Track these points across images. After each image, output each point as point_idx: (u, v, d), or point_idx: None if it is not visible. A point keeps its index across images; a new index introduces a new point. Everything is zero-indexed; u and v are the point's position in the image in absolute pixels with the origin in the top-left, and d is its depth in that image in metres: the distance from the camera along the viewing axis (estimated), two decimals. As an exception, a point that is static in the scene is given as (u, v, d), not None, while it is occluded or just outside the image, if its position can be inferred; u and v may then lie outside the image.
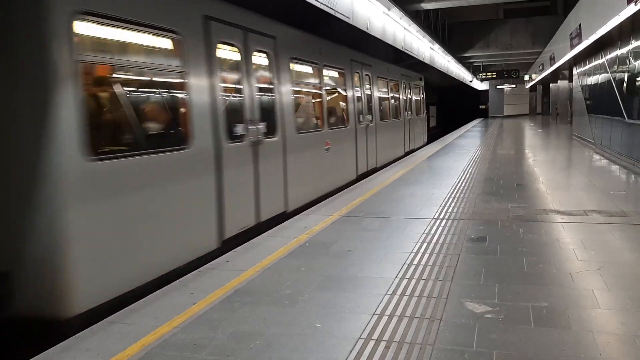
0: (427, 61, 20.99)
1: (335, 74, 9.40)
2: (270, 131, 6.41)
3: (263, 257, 4.86)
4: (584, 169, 10.84)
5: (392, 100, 13.83)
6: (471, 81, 42.69)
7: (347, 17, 10.06)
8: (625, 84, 11.03)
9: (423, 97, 18.80)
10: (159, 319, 3.53)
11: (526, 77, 41.08)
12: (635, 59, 10.28)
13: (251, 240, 5.53)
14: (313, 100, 8.52)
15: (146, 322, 3.47)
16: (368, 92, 11.27)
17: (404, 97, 15.24)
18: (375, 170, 11.34)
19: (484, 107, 53.05)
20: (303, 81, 8.11)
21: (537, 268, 4.32)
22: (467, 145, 17.84)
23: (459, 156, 13.85)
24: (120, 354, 3.04)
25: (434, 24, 24.10)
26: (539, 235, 5.36)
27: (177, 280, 4.32)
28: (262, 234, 5.80)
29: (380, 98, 12.44)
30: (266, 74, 6.58)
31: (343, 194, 8.28)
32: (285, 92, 6.95)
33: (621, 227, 5.62)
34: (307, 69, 8.18)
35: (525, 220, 6.05)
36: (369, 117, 11.08)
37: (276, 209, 6.53)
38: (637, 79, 10.15)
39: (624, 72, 11.19)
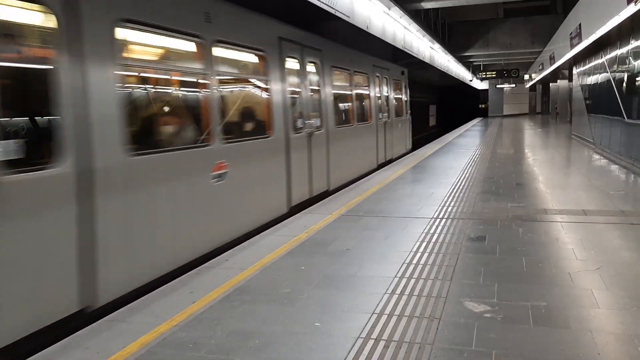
0: (427, 60, 21.01)
1: (245, 57, 6.28)
2: (34, 156, 3.39)
3: (262, 256, 4.86)
4: (583, 169, 10.85)
5: (358, 99, 10.79)
6: (471, 80, 42.74)
7: (347, 15, 10.06)
8: (624, 84, 11.04)
9: (406, 95, 15.58)
10: (159, 317, 3.53)
11: (526, 77, 41.14)
12: (635, 58, 10.28)
13: (250, 239, 5.53)
14: (186, 97, 5.41)
15: (146, 321, 3.47)
16: (314, 86, 8.19)
17: (377, 95, 12.12)
18: (327, 194, 8.33)
19: (483, 106, 53.13)
20: (156, 63, 4.92)
21: (536, 268, 4.33)
22: (466, 144, 17.85)
23: (458, 155, 13.85)
24: (119, 352, 3.04)
25: (433, 23, 24.11)
26: (538, 235, 5.36)
27: (177, 280, 4.32)
28: (261, 233, 5.80)
29: (336, 96, 9.30)
30: (32, 41, 3.61)
31: (341, 194, 8.27)
32: (98, 78, 3.82)
33: (620, 227, 5.63)
34: (167, 43, 4.88)
35: (525, 219, 6.06)
36: (314, 121, 8.01)
37: (55, 311, 3.45)
38: (637, 78, 10.16)
39: (623, 71, 11.20)
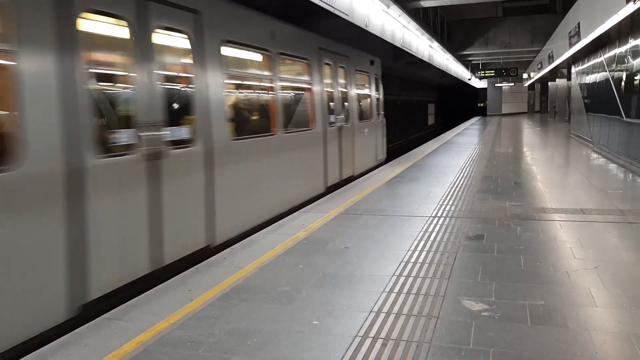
0: (426, 59, 21.01)
1: None
2: None
3: (261, 254, 4.86)
4: (581, 168, 10.86)
5: (291, 96, 7.88)
6: (470, 79, 42.76)
7: (346, 14, 10.05)
8: (623, 83, 11.05)
9: (378, 91, 12.13)
10: (157, 315, 3.52)
11: (525, 76, 41.16)
12: (634, 57, 10.29)
13: (249, 237, 5.53)
14: None
15: (144, 319, 3.47)
16: (179, 73, 5.14)
17: (328, 90, 8.78)
18: (210, 253, 5.06)
19: (482, 105, 53.19)
20: None
21: (534, 266, 4.33)
22: (465, 143, 17.85)
23: (457, 154, 13.85)
24: (117, 350, 3.04)
25: (432, 22, 24.09)
26: (536, 234, 5.37)
27: (175, 278, 4.32)
28: (260, 231, 5.79)
29: (237, 89, 6.34)
30: None
31: (340, 193, 8.26)
32: None
33: (618, 226, 5.64)
34: None
35: (523, 218, 6.06)
36: (170, 132, 4.57)
37: None
38: (635, 77, 10.17)
39: (622, 71, 11.22)
